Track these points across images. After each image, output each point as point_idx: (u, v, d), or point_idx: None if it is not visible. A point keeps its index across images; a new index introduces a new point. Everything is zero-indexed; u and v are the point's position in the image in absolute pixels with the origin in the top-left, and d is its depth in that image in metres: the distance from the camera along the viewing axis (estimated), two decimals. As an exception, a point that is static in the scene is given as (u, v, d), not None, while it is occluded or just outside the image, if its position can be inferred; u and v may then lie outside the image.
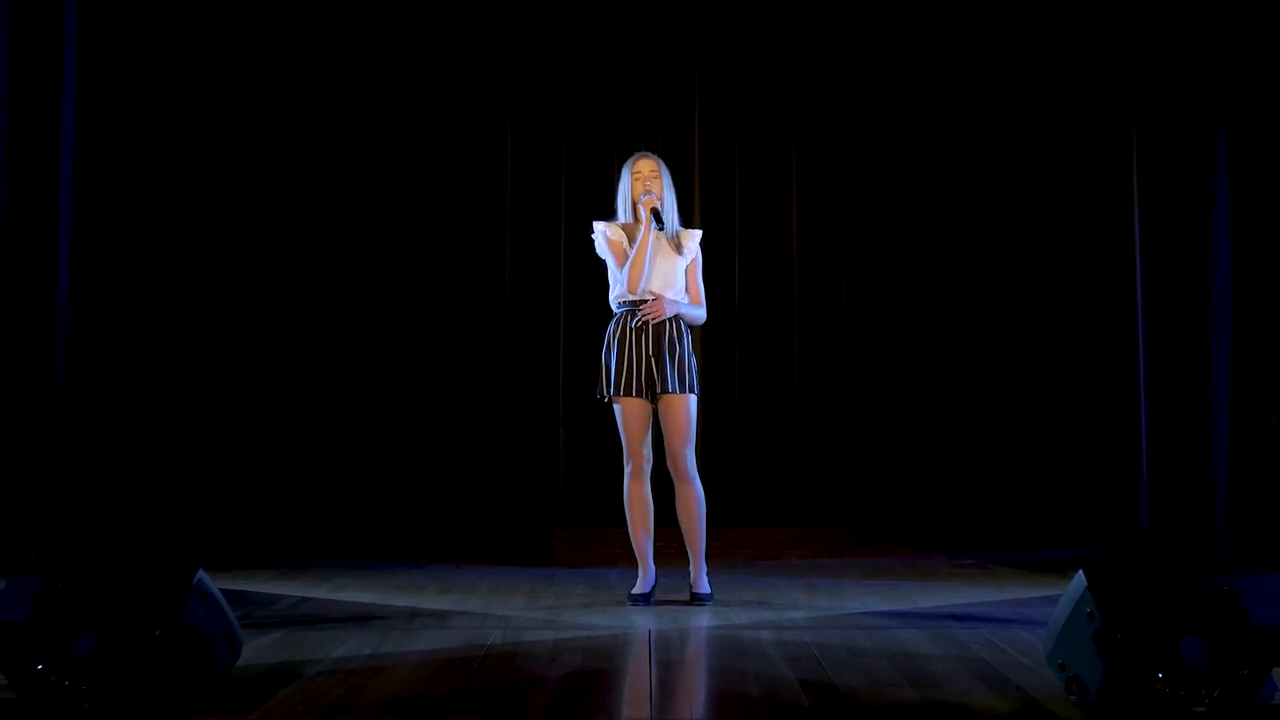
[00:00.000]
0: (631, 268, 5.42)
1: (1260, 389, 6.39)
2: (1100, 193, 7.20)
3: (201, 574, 3.62)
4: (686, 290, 5.52)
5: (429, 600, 5.56)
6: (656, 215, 5.41)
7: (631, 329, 5.41)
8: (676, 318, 5.45)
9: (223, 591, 3.77)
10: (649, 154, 5.62)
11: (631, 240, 5.47)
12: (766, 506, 7.46)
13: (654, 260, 5.44)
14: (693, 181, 7.44)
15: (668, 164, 5.59)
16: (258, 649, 4.31)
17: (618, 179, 5.66)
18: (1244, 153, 6.44)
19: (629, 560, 5.60)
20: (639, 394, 5.39)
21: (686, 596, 5.46)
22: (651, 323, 5.39)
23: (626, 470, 5.47)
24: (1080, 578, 3.56)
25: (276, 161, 7.37)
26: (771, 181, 7.67)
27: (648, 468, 5.47)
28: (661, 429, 5.45)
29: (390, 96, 7.52)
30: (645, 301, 5.41)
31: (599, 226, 5.57)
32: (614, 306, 5.52)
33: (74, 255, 6.40)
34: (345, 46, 7.46)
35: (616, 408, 5.44)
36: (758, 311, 7.60)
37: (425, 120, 7.55)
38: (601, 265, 5.62)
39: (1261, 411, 6.38)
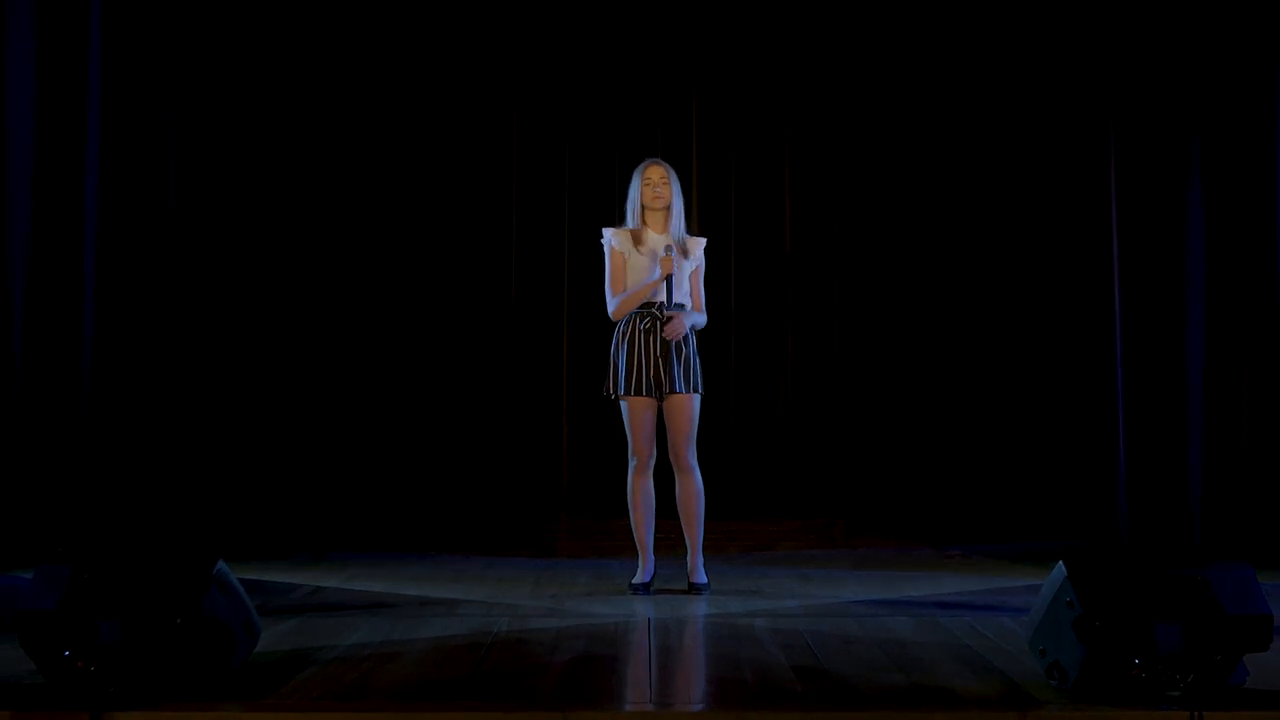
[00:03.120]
0: (622, 303, 5.42)
1: (1233, 388, 6.39)
2: (1080, 194, 7.19)
3: (221, 564, 3.62)
4: (690, 295, 5.50)
5: (438, 589, 5.56)
6: (669, 280, 5.36)
7: (640, 330, 5.40)
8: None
9: (241, 581, 3.77)
10: (659, 161, 5.58)
11: (636, 244, 5.45)
12: (761, 499, 7.46)
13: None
14: (690, 188, 7.43)
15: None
16: (275, 636, 4.31)
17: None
18: (1218, 159, 6.45)
19: (629, 551, 5.60)
20: (646, 392, 5.38)
21: (684, 586, 5.46)
22: (661, 327, 5.37)
23: (631, 465, 5.46)
24: (1060, 568, 3.56)
25: (291, 168, 7.36)
26: (766, 187, 7.67)
27: (652, 463, 5.47)
28: (665, 425, 5.44)
29: (403, 109, 7.52)
30: (654, 305, 5.37)
31: (607, 235, 5.54)
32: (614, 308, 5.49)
33: (99, 259, 6.42)
34: (364, 65, 7.45)
35: (624, 405, 5.43)
36: (752, 311, 7.60)
37: (435, 128, 7.55)
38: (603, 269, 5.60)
39: (1235, 409, 6.39)
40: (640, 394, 5.38)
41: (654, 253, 5.40)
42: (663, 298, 5.36)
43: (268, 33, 7.31)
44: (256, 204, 7.30)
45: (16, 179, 6.04)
